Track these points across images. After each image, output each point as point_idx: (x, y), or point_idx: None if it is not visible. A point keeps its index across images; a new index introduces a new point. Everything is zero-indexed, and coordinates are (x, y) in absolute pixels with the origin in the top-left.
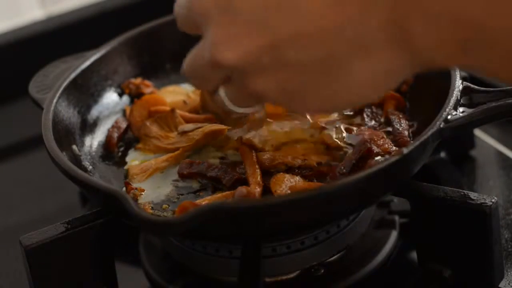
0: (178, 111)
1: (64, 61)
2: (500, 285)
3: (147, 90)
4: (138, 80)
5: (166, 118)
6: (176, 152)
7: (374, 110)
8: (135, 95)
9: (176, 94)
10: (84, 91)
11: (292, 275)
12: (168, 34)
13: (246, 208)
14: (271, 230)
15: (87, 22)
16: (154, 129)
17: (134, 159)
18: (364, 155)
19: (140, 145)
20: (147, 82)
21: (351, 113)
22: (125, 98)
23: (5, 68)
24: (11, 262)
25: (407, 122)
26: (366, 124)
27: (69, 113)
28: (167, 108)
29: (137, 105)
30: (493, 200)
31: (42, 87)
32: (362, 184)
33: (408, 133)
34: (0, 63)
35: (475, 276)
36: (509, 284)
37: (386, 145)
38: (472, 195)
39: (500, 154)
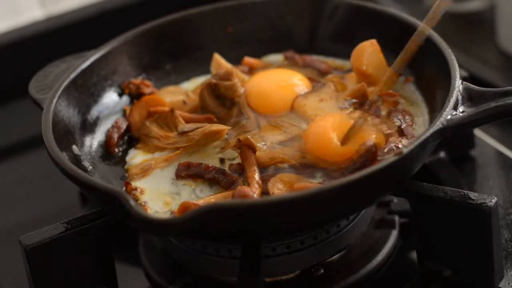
0: (178, 111)
1: (64, 61)
2: (500, 285)
3: (147, 90)
4: (138, 80)
5: (165, 118)
6: (176, 152)
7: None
8: (135, 95)
9: (176, 94)
10: (84, 91)
11: (292, 275)
12: (168, 34)
13: (246, 208)
14: (271, 230)
15: (87, 22)
16: (154, 129)
17: (134, 159)
18: (369, 159)
19: (140, 145)
20: (147, 82)
21: (351, 109)
22: (125, 98)
23: (5, 68)
24: (11, 262)
25: (410, 118)
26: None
27: (69, 113)
28: (167, 109)
29: (137, 105)
30: (493, 200)
31: (42, 87)
32: (362, 184)
33: (412, 129)
34: (0, 63)
35: (475, 276)
36: (509, 284)
37: (400, 144)
38: (472, 195)
39: (500, 154)
